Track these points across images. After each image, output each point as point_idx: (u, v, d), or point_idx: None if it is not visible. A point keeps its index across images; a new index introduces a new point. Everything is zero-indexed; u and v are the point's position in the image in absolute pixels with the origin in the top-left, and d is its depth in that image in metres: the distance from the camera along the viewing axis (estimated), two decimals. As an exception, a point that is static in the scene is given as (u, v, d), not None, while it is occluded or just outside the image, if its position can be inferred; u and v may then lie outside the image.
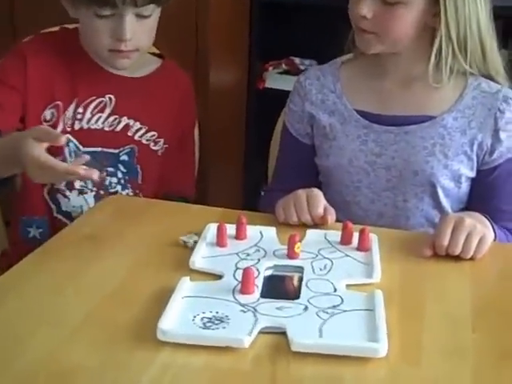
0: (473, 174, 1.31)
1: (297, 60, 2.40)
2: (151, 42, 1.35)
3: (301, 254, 1.11)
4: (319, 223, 1.20)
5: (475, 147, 1.28)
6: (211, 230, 1.17)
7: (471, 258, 1.12)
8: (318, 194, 1.21)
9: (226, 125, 2.24)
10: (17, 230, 1.42)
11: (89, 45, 1.33)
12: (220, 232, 1.14)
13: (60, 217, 1.40)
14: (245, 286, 0.99)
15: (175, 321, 0.92)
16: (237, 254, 1.11)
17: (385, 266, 1.08)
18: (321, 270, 1.07)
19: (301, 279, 1.04)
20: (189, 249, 1.12)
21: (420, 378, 0.86)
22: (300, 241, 1.13)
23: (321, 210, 1.19)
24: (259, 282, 1.03)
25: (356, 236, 1.14)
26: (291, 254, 1.10)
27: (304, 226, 1.21)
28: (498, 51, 1.30)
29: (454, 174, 1.29)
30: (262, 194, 1.50)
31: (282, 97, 1.47)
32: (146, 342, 0.90)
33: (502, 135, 1.27)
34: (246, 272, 1.00)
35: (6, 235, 1.48)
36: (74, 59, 1.34)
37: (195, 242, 1.14)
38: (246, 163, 2.39)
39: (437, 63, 1.26)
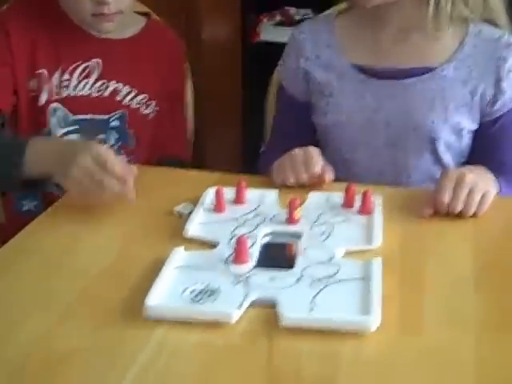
0: (474, 126, 1.25)
1: (292, 10, 2.33)
2: (133, 1, 1.29)
3: (301, 218, 1.07)
4: (317, 183, 1.16)
5: (477, 98, 1.23)
6: (209, 194, 1.13)
7: (473, 215, 1.08)
8: (314, 152, 1.17)
9: (222, 82, 2.18)
10: (11, 203, 1.39)
11: (70, 10, 1.27)
12: (218, 197, 1.10)
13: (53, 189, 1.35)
14: (238, 256, 0.96)
15: (164, 295, 0.89)
16: (235, 219, 1.08)
17: (386, 229, 1.04)
18: (320, 235, 1.03)
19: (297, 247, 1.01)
20: (184, 220, 1.09)
21: (420, 349, 0.82)
22: (301, 204, 1.10)
23: (318, 169, 1.15)
24: (255, 250, 0.99)
25: (359, 198, 1.10)
26: (291, 220, 1.06)
27: (305, 187, 1.17)
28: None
29: (455, 128, 1.24)
30: (260, 153, 1.45)
31: (278, 49, 1.41)
32: (140, 320, 0.87)
33: (505, 84, 1.22)
34: (240, 241, 0.96)
35: (2, 208, 1.45)
36: (56, 24, 1.29)
37: (190, 213, 1.10)
38: (245, 121, 2.33)
39: (436, 10, 1.20)
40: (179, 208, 1.12)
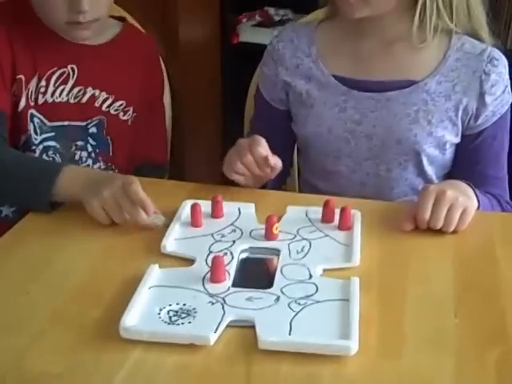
0: (457, 140, 1.25)
1: (271, 10, 2.31)
2: (109, 8, 1.27)
3: (279, 234, 1.05)
4: (265, 168, 1.13)
5: (460, 112, 1.22)
6: (186, 208, 1.11)
7: (454, 231, 1.07)
8: (258, 138, 1.14)
9: (200, 84, 2.15)
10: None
11: (45, 17, 1.24)
12: (194, 212, 1.08)
13: None
14: (215, 275, 0.94)
15: (140, 316, 0.88)
16: (211, 235, 1.06)
17: (365, 245, 1.03)
18: (297, 252, 1.01)
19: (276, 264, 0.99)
20: (157, 230, 1.06)
21: (400, 373, 0.81)
22: (279, 219, 1.08)
23: (262, 150, 1.12)
24: (232, 267, 0.98)
25: (338, 212, 1.09)
26: (269, 236, 1.05)
27: (284, 201, 1.15)
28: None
29: (438, 141, 1.23)
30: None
31: (258, 51, 1.39)
32: (115, 341, 0.85)
33: (488, 99, 1.21)
34: (216, 261, 0.94)
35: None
36: (31, 30, 1.25)
37: (166, 222, 1.09)
38: (225, 124, 2.31)
39: (420, 21, 1.19)
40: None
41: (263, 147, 1.12)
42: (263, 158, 1.12)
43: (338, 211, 1.09)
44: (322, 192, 1.30)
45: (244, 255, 1.03)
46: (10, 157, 1.17)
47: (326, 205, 1.09)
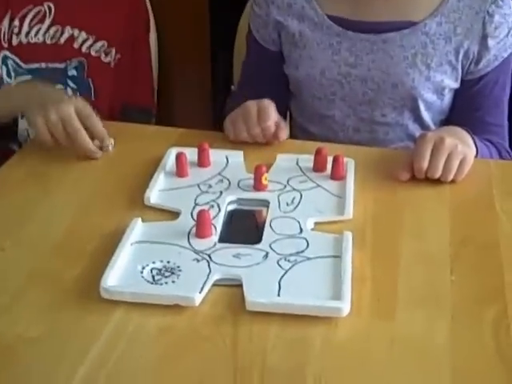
0: (457, 85, 1.19)
1: None
2: None
3: (268, 184, 1.00)
4: (271, 139, 1.09)
5: (460, 56, 1.16)
6: (171, 156, 1.06)
7: (452, 181, 1.02)
8: (268, 105, 1.08)
9: (187, 19, 2.05)
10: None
11: None
12: (179, 161, 1.03)
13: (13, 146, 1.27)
14: (200, 230, 0.90)
15: (121, 275, 0.83)
16: (198, 185, 1.01)
17: (358, 197, 0.98)
18: (287, 204, 0.97)
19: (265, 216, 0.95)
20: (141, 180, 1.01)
21: (394, 334, 0.77)
22: (269, 168, 1.03)
23: (270, 123, 1.07)
24: (219, 220, 0.93)
25: (330, 161, 1.03)
26: (258, 186, 1.00)
27: (274, 148, 1.10)
28: None
29: (436, 86, 1.17)
30: (228, 97, 1.37)
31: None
32: (96, 302, 0.81)
33: (490, 42, 1.14)
34: (201, 215, 0.90)
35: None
36: None
37: (112, 146, 1.08)
38: (214, 61, 2.21)
39: None
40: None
41: (271, 118, 1.07)
42: (271, 133, 1.07)
43: (330, 159, 1.04)
44: (314, 136, 1.25)
45: (232, 207, 0.98)
46: None
47: (318, 153, 1.04)
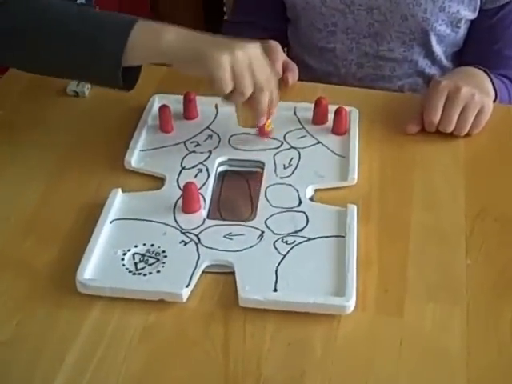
0: (474, 16, 1.05)
1: None
2: None
3: (272, 131, 0.90)
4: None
5: None
6: (154, 106, 0.95)
7: (467, 134, 0.91)
8: (274, 48, 0.97)
9: None
10: None
11: None
12: (163, 115, 0.92)
13: None
14: (187, 205, 0.80)
15: (100, 263, 0.74)
16: (184, 143, 0.90)
17: (363, 156, 0.88)
18: (284, 167, 0.87)
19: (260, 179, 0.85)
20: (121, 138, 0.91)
21: (402, 334, 0.69)
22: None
23: (278, 68, 0.96)
24: (208, 189, 0.84)
25: (332, 109, 0.92)
26: (261, 132, 0.90)
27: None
28: None
29: (451, 18, 1.04)
30: (224, 26, 1.24)
31: None
32: (71, 295, 0.73)
33: None
34: (188, 189, 0.80)
35: None
36: None
37: (88, 90, 0.98)
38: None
39: None
40: (73, 86, 0.98)
41: (279, 63, 0.96)
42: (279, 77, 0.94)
43: (332, 108, 0.93)
44: (313, 71, 1.13)
45: (223, 168, 0.88)
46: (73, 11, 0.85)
47: (317, 104, 0.92)
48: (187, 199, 0.80)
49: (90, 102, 0.98)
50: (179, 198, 0.82)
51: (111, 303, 0.72)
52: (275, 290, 0.71)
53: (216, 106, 0.96)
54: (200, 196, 0.81)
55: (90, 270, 0.73)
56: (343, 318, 0.70)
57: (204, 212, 0.81)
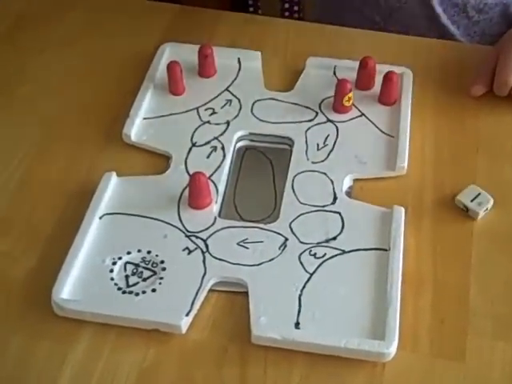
0: None
1: None
2: None
3: (294, 111, 0.73)
4: None
5: None
6: (163, 59, 0.78)
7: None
8: None
9: None
10: None
11: None
12: (172, 74, 0.75)
13: None
14: (194, 200, 0.65)
15: (82, 276, 0.60)
16: (197, 110, 0.74)
17: (415, 132, 0.71)
18: (318, 148, 0.70)
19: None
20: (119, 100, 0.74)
21: (465, 382, 0.55)
22: (296, 78, 0.76)
23: None
24: (222, 174, 0.68)
25: (381, 71, 0.74)
26: (337, 107, 0.73)
27: (302, 46, 0.80)
28: None
29: None
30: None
31: None
32: (52, 320, 0.58)
33: None
34: (196, 180, 0.64)
35: None
36: None
37: None
38: None
39: None
40: None
41: None
42: None
43: (381, 68, 0.75)
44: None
45: (242, 144, 0.73)
46: None
47: (363, 66, 0.75)
48: (195, 193, 0.65)
49: (78, 53, 0.81)
50: (186, 187, 0.66)
51: (102, 330, 0.58)
52: (297, 324, 0.57)
53: (239, 61, 0.79)
54: (211, 186, 0.66)
55: (69, 287, 0.59)
56: (388, 361, 0.56)
57: (216, 207, 0.66)
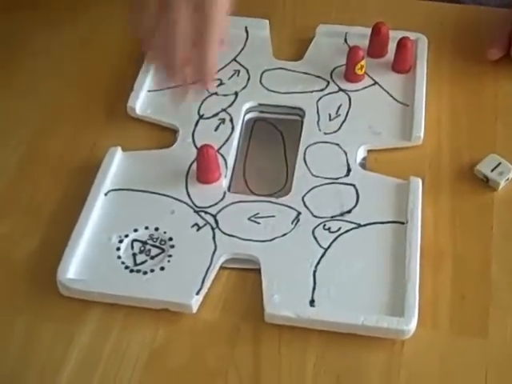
0: None
1: None
2: None
3: (306, 80, 0.70)
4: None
5: None
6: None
7: None
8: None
9: None
10: None
11: None
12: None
13: None
14: (202, 174, 0.63)
15: (88, 255, 0.58)
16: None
17: (430, 101, 0.68)
18: (330, 118, 0.68)
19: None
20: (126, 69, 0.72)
21: (488, 359, 0.52)
22: (306, 46, 0.73)
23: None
24: (231, 147, 0.65)
25: (395, 38, 0.71)
26: (349, 76, 0.70)
27: (314, 15, 0.77)
28: None
29: None
30: None
31: None
32: (57, 301, 0.56)
33: None
34: (204, 154, 0.62)
35: None
36: None
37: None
38: None
39: None
40: None
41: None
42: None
43: (394, 34, 0.72)
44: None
45: (251, 116, 0.70)
46: None
47: (376, 32, 0.72)
48: (203, 167, 0.62)
49: (81, 29, 0.78)
50: (194, 161, 0.64)
51: (110, 310, 0.56)
52: (312, 302, 0.54)
53: (246, 29, 0.76)
54: (220, 160, 0.64)
55: (75, 266, 0.57)
56: (408, 338, 0.54)
57: (225, 182, 0.63)
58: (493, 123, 0.68)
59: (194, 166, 0.63)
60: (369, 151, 0.65)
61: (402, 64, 0.70)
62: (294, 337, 0.54)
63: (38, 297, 0.57)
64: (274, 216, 0.60)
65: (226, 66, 0.73)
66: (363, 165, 0.64)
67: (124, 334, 0.55)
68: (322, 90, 0.70)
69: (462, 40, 0.75)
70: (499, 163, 0.62)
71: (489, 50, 0.73)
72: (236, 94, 0.70)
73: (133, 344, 0.54)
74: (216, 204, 0.61)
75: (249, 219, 0.60)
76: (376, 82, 0.70)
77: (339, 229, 0.59)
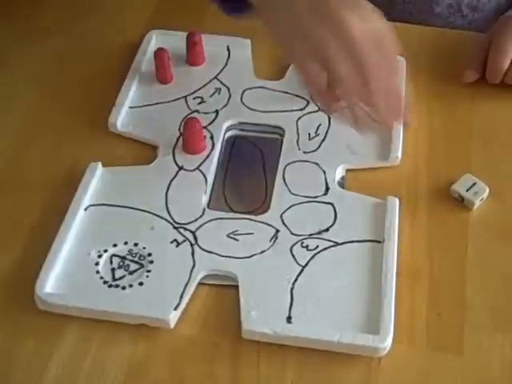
0: None
1: None
2: None
3: (286, 100, 0.71)
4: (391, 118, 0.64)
5: None
6: (150, 47, 0.76)
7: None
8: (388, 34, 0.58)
9: None
10: None
11: None
12: (160, 61, 0.73)
13: None
14: (188, 145, 0.64)
15: (67, 270, 0.58)
16: (185, 98, 0.72)
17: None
18: (310, 137, 0.69)
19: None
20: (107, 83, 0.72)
21: (463, 374, 0.53)
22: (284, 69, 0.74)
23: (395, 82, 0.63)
24: (211, 164, 0.66)
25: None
26: None
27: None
28: None
29: None
30: None
31: None
32: (36, 315, 0.56)
33: None
34: (190, 126, 0.62)
35: None
36: None
37: None
38: None
39: None
40: None
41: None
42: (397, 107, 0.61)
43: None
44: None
45: (231, 133, 0.71)
46: None
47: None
48: (189, 138, 0.65)
49: (63, 41, 0.78)
50: (174, 178, 0.64)
51: (89, 326, 0.56)
52: (289, 318, 0.55)
53: (228, 48, 0.77)
54: (204, 134, 0.66)
55: (53, 280, 0.57)
56: (385, 355, 0.54)
57: (204, 198, 0.64)
58: (468, 143, 0.69)
59: (174, 182, 0.64)
60: (347, 170, 0.66)
61: (380, 85, 0.72)
62: (273, 353, 0.55)
63: (16, 312, 0.57)
64: (252, 233, 0.61)
65: (207, 84, 0.74)
66: (341, 184, 0.65)
67: (103, 350, 0.55)
68: (301, 110, 0.71)
69: (438, 62, 0.77)
70: (474, 183, 0.64)
71: (465, 72, 0.74)
72: (217, 112, 0.71)
73: (112, 360, 0.54)
74: (195, 220, 0.62)
75: (228, 236, 0.60)
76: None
77: (317, 247, 0.60)
